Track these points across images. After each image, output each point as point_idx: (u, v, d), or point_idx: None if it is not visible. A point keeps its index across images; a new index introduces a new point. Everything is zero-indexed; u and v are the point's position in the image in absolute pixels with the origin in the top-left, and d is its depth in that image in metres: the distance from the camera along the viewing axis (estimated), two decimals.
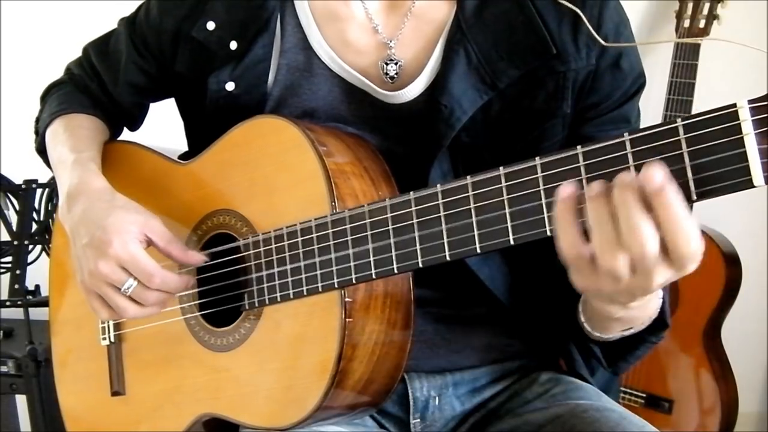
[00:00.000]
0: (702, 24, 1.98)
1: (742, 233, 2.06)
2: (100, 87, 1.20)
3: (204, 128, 1.06)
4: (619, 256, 0.66)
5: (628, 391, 2.07)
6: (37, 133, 1.22)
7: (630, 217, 0.64)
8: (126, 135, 1.25)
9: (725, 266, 1.96)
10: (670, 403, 2.03)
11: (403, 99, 1.00)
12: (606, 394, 1.06)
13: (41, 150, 1.20)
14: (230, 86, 1.04)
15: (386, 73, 1.01)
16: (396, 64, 1.01)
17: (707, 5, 1.98)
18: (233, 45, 1.03)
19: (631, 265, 0.66)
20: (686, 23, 2.00)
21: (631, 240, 0.65)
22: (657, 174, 0.62)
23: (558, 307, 1.03)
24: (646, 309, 0.86)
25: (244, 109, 1.01)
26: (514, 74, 0.95)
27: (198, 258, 1.00)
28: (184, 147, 1.16)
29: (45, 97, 1.25)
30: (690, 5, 2.00)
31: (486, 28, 0.96)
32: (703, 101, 1.94)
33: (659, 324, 0.91)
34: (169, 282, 0.96)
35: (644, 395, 2.06)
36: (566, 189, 0.67)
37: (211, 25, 1.05)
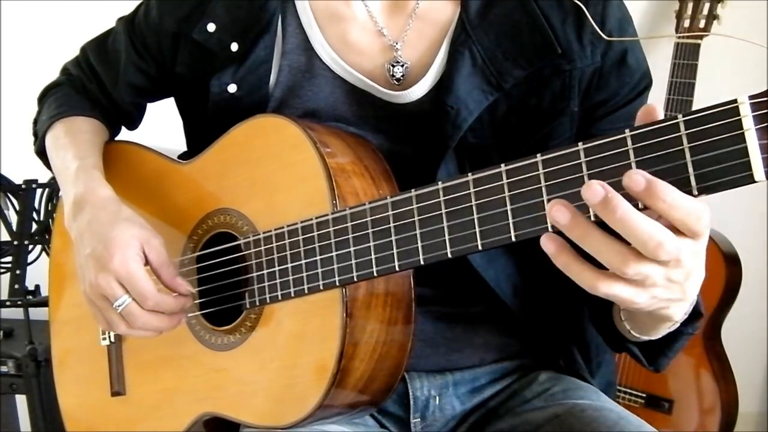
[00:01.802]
0: (702, 24, 1.98)
1: (742, 233, 2.06)
2: (99, 88, 1.20)
3: (204, 128, 1.06)
4: (638, 261, 0.66)
5: (628, 391, 2.07)
6: (35, 135, 1.22)
7: (626, 223, 0.64)
8: (125, 134, 1.25)
9: (725, 266, 1.96)
10: (670, 403, 2.03)
11: (407, 99, 1.00)
12: (605, 394, 1.06)
13: (41, 152, 1.20)
14: (232, 88, 1.04)
15: (393, 75, 1.01)
16: (402, 66, 1.01)
17: (707, 5, 1.98)
18: (234, 46, 1.03)
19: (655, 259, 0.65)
20: (686, 23, 2.00)
21: (637, 239, 0.64)
22: (638, 177, 0.63)
23: (578, 309, 1.03)
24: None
25: (246, 111, 1.01)
26: (519, 74, 0.95)
27: (185, 287, 0.98)
28: (183, 147, 1.16)
29: (42, 98, 1.24)
30: (690, 5, 2.00)
31: (490, 28, 0.96)
32: (703, 101, 1.92)
33: (694, 314, 0.88)
34: (163, 305, 0.95)
35: (644, 395, 2.05)
36: (550, 245, 0.68)
37: (211, 27, 1.04)
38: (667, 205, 0.63)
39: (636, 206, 0.64)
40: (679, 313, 0.78)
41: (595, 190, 0.64)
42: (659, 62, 2.00)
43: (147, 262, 0.97)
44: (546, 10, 0.95)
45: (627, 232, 0.64)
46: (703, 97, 1.96)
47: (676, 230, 0.65)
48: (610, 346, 1.03)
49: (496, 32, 0.96)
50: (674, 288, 0.71)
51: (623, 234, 0.64)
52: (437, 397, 1.05)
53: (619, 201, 0.63)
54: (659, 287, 0.69)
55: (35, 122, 1.23)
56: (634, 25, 1.00)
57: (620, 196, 0.64)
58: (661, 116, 0.66)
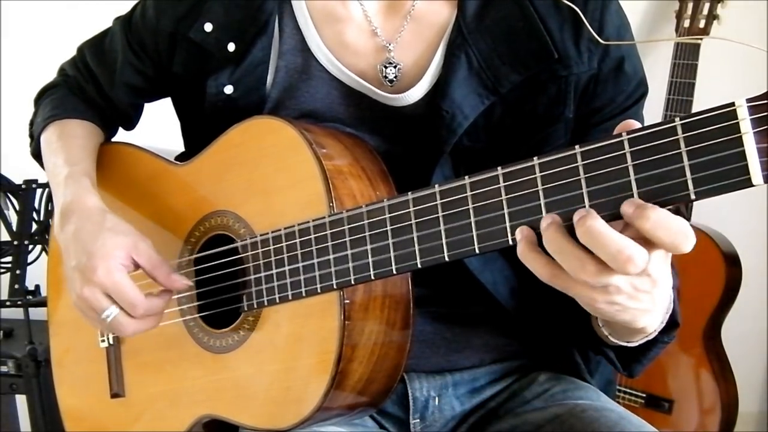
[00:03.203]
0: (702, 24, 1.98)
1: (742, 233, 2.06)
2: (96, 88, 1.20)
3: (201, 129, 1.06)
4: (601, 274, 0.66)
5: (628, 391, 2.07)
6: (31, 137, 1.22)
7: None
8: (123, 135, 1.25)
9: (725, 266, 1.96)
10: (670, 403, 2.03)
11: (404, 102, 1.00)
12: (605, 393, 1.06)
13: (36, 154, 1.20)
14: (229, 89, 1.03)
15: (385, 76, 1.00)
16: (395, 67, 1.00)
17: (707, 5, 1.98)
18: (231, 47, 1.03)
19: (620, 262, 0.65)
20: (686, 23, 2.00)
21: (606, 253, 0.65)
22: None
23: (563, 311, 1.02)
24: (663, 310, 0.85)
25: (243, 112, 1.01)
26: (515, 79, 0.95)
27: (182, 283, 0.98)
28: (180, 147, 1.16)
29: (39, 100, 1.24)
30: (690, 5, 2.00)
31: (487, 32, 0.96)
32: (703, 101, 1.93)
33: (671, 323, 0.89)
34: (153, 309, 0.96)
35: (644, 395, 2.05)
36: (518, 233, 0.70)
37: (208, 27, 1.04)
38: (654, 224, 0.63)
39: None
40: (652, 324, 0.79)
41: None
42: (659, 62, 2.01)
43: (138, 267, 0.97)
44: (543, 15, 0.95)
45: (595, 244, 0.65)
46: (703, 97, 1.96)
47: (649, 243, 0.65)
48: (587, 348, 1.04)
49: (493, 36, 0.96)
50: (642, 297, 0.72)
51: (591, 247, 0.65)
52: (437, 398, 1.05)
53: (589, 214, 0.65)
54: (622, 295, 0.70)
55: (31, 123, 1.23)
56: (632, 31, 1.00)
57: (592, 211, 0.65)
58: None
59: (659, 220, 0.63)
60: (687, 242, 0.64)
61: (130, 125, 1.25)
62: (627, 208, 0.64)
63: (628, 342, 0.89)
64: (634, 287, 0.70)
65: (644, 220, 0.63)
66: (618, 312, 0.73)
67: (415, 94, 0.99)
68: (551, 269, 0.69)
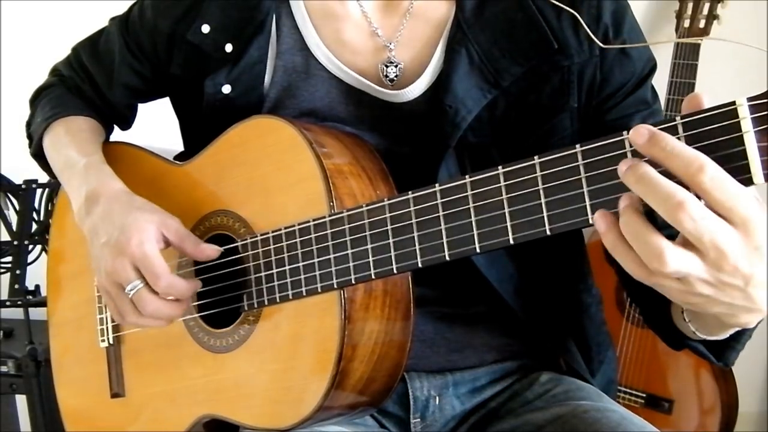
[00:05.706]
0: (702, 24, 1.98)
1: None
2: (93, 88, 1.20)
3: (200, 129, 1.06)
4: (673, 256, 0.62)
5: (628, 391, 2.07)
6: (30, 138, 1.22)
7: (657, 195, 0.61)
8: (122, 135, 1.25)
9: None
10: (670, 403, 2.03)
11: (404, 98, 1.00)
12: (606, 392, 1.06)
13: (37, 154, 1.20)
14: (227, 89, 1.03)
15: (386, 76, 1.00)
16: (396, 66, 1.00)
17: (707, 5, 1.98)
18: (228, 47, 1.03)
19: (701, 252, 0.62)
20: (686, 23, 2.00)
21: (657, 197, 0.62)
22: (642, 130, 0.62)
23: (573, 309, 1.01)
24: None
25: (241, 112, 1.01)
26: (517, 71, 0.95)
27: (210, 250, 0.98)
28: (180, 147, 1.16)
29: (35, 101, 1.24)
30: (690, 5, 2.00)
31: (486, 26, 0.96)
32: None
33: None
34: (175, 286, 0.95)
35: (644, 395, 2.05)
36: (601, 222, 0.66)
37: (206, 28, 1.04)
38: (667, 153, 0.61)
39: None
40: (753, 322, 0.74)
41: (640, 132, 0.63)
42: (659, 62, 1.98)
43: (167, 244, 0.97)
44: (541, 7, 0.95)
45: (645, 190, 0.62)
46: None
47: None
48: (668, 343, 0.97)
49: (493, 30, 0.96)
50: (732, 293, 0.66)
51: (642, 194, 0.62)
52: (437, 398, 1.04)
53: (638, 162, 0.62)
54: (706, 286, 0.65)
55: (28, 125, 1.23)
56: (631, 11, 0.99)
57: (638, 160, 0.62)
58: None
59: (669, 148, 0.61)
60: (701, 173, 0.60)
61: (126, 125, 1.25)
62: (640, 138, 0.62)
63: (717, 336, 0.84)
64: (719, 280, 0.64)
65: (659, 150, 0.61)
66: (708, 303, 0.68)
67: (416, 90, 0.99)
68: (641, 265, 0.65)
